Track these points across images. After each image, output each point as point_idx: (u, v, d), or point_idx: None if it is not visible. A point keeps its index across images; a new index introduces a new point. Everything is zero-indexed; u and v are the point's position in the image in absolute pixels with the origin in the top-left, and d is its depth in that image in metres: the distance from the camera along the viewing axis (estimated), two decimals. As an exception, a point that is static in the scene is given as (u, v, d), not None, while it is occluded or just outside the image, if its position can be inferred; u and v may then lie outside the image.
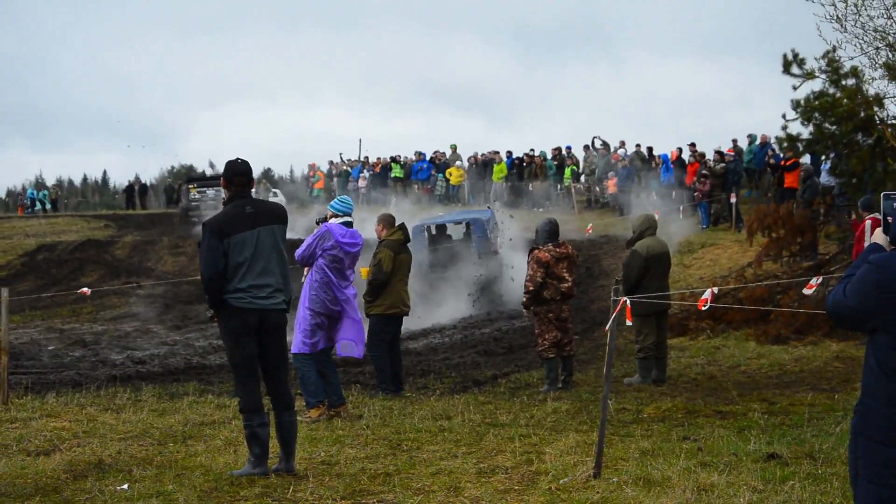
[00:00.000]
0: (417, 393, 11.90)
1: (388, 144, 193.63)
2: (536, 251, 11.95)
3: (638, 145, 33.33)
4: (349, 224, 10.08)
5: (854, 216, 16.49)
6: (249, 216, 7.20)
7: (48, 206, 50.18)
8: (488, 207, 28.89)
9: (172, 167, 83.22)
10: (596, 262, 23.96)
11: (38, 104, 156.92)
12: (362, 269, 12.12)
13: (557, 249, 11.95)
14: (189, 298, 25.54)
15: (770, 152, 25.96)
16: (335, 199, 10.38)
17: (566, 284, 11.97)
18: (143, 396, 11.27)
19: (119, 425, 9.29)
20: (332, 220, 10.06)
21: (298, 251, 9.89)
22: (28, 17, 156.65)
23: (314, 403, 9.90)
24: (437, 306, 21.14)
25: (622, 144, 33.78)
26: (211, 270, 7.05)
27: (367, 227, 14.39)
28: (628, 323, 8.63)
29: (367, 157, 43.39)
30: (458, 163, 37.34)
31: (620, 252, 22.07)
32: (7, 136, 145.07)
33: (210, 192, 38.06)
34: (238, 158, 7.42)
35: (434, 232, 23.77)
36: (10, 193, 79.59)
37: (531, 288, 11.85)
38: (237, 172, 7.36)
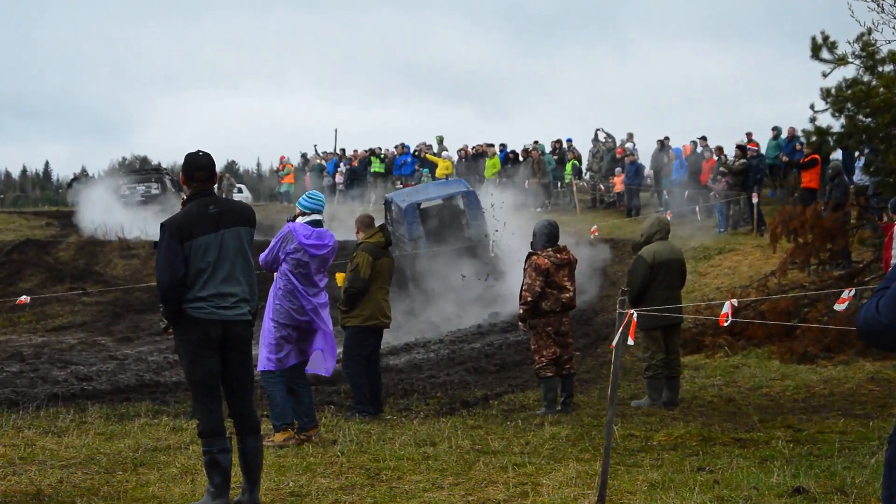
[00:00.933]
0: (399, 415, 11.90)
1: (367, 135, 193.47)
2: (535, 257, 11.96)
3: (666, 137, 32.64)
4: (318, 223, 10.06)
5: (885, 219, 16.56)
6: (213, 217, 7.17)
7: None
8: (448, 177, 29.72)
9: (124, 158, 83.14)
10: (600, 269, 23.99)
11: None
12: (338, 275, 12.13)
13: (558, 255, 11.97)
14: (141, 307, 25.49)
15: (798, 146, 25.93)
16: (303, 196, 10.38)
17: (567, 294, 11.99)
18: (88, 418, 11.23)
19: (61, 451, 9.25)
20: (300, 219, 10.05)
21: (262, 255, 9.87)
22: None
23: (281, 426, 9.89)
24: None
25: (630, 137, 33.81)
26: (170, 277, 7.02)
27: (346, 228, 14.40)
28: (630, 342, 8.62)
29: (343, 150, 43.37)
30: (444, 153, 37.39)
31: (628, 258, 22.12)
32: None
33: (140, 187, 38.62)
34: (199, 151, 7.39)
35: (428, 208, 24.59)
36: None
37: (529, 298, 11.85)
38: (198, 167, 7.32)
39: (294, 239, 9.82)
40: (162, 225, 7.18)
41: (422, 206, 24.23)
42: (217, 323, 7.09)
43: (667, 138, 32.33)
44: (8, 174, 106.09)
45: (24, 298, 17.24)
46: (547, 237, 12.09)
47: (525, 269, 12.04)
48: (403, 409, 12.42)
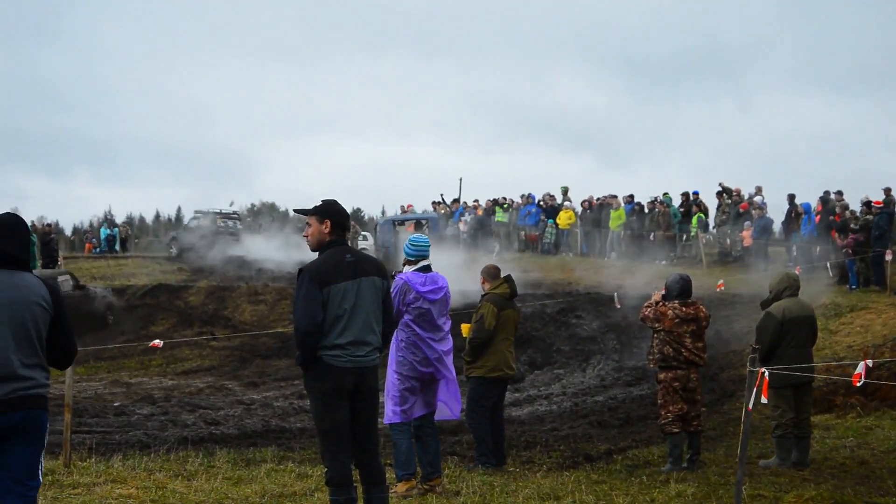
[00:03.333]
0: (521, 468, 11.84)
1: (489, 184, 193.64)
2: (661, 305, 11.83)
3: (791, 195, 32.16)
4: (427, 268, 9.97)
5: None
6: (350, 265, 7.29)
7: (116, 247, 51.30)
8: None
9: (253, 205, 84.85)
10: (727, 324, 23.61)
11: (103, 133, 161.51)
12: (463, 326, 12.14)
13: (683, 308, 11.78)
14: (268, 352, 25.87)
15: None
16: (406, 243, 10.16)
17: (686, 350, 11.78)
18: (216, 462, 11.43)
19: (190, 494, 9.43)
20: (407, 269, 10.00)
21: None
22: (94, 39, 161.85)
23: (404, 476, 9.89)
24: None
25: (758, 191, 33.32)
26: (308, 322, 7.10)
27: (471, 278, 14.42)
28: (763, 400, 8.41)
29: (455, 200, 43.66)
30: (566, 203, 37.43)
31: (755, 314, 21.73)
32: (71, 168, 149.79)
33: (230, 223, 47.01)
34: (334, 200, 7.53)
35: (401, 225, 35.89)
36: (76, 231, 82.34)
37: (644, 311, 11.99)
38: (347, 215, 7.50)
39: (411, 289, 9.70)
40: (301, 270, 7.29)
41: (395, 225, 36.13)
42: (350, 371, 7.16)
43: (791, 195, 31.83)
44: (142, 219, 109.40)
45: (158, 342, 17.63)
46: (679, 290, 11.95)
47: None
48: (526, 462, 12.37)
